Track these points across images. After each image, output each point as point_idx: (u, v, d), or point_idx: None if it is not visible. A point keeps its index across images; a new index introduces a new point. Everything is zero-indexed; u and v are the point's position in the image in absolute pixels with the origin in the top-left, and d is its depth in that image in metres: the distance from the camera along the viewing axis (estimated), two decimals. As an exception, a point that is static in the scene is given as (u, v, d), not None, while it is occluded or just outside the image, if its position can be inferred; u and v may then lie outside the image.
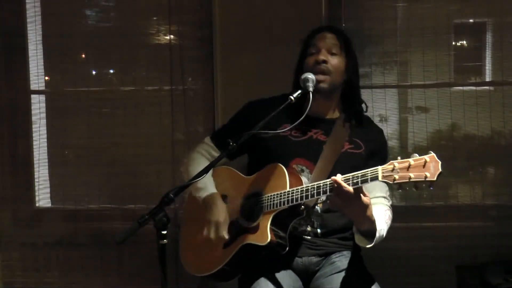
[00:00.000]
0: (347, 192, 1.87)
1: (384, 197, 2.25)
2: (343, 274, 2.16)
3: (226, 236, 2.16)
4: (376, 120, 2.79)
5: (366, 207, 1.92)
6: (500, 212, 3.03)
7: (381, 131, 2.41)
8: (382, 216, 2.10)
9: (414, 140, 3.07)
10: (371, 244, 2.03)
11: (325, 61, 2.20)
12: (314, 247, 2.22)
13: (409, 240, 3.02)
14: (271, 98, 2.33)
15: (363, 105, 2.37)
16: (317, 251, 2.23)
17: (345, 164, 2.18)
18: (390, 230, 2.91)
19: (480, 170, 3.10)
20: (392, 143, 3.06)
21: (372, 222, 1.99)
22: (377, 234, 2.01)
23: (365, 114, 2.40)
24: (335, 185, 1.89)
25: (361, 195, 1.90)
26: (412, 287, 3.01)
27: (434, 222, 3.02)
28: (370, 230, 2.01)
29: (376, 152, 2.27)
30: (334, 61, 2.23)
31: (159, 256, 1.78)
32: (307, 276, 2.23)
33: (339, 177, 1.90)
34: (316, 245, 2.22)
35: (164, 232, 1.77)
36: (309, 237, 2.22)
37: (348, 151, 2.24)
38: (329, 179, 1.94)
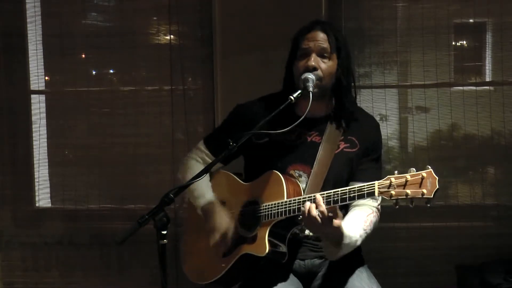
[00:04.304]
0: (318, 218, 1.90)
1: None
2: (343, 272, 2.15)
3: (230, 243, 2.16)
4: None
5: (337, 230, 1.94)
6: (500, 212, 3.03)
7: (376, 125, 2.33)
8: (359, 223, 2.07)
9: (414, 140, 3.07)
10: (338, 254, 2.02)
11: (315, 68, 2.14)
12: (316, 249, 2.21)
13: (409, 240, 3.02)
14: (260, 99, 2.31)
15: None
16: (320, 253, 2.21)
17: (340, 166, 2.18)
18: (391, 230, 2.94)
19: (480, 170, 3.10)
20: (392, 143, 3.06)
21: (339, 239, 1.99)
22: (345, 241, 1.99)
23: (358, 106, 2.35)
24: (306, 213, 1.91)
25: (333, 220, 1.91)
26: (412, 287, 3.02)
27: (434, 222, 3.01)
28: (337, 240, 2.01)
29: (370, 151, 2.23)
30: (325, 66, 2.15)
31: (159, 256, 1.78)
32: (308, 278, 2.21)
33: (319, 197, 1.92)
34: (318, 247, 2.20)
35: (164, 232, 1.77)
36: (311, 240, 2.20)
37: (344, 151, 2.21)
38: (325, 192, 1.95)
